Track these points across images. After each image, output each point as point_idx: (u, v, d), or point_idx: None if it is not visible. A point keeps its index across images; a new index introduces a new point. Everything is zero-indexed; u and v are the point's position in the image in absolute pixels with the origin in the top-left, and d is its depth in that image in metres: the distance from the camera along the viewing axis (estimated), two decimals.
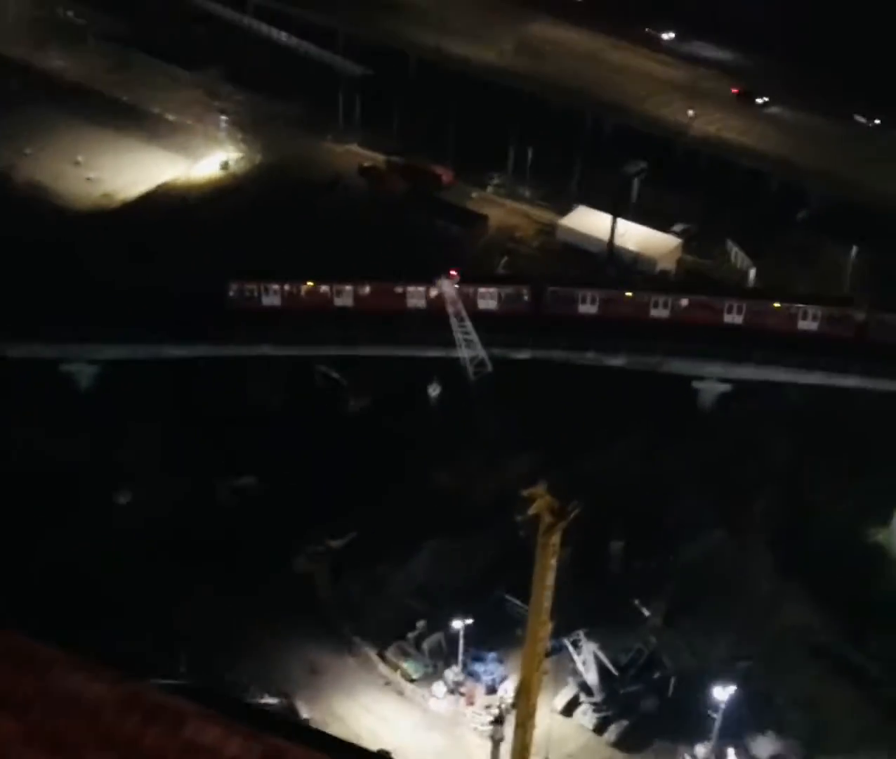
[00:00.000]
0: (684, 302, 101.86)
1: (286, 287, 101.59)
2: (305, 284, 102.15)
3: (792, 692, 77.58)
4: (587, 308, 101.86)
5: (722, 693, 73.94)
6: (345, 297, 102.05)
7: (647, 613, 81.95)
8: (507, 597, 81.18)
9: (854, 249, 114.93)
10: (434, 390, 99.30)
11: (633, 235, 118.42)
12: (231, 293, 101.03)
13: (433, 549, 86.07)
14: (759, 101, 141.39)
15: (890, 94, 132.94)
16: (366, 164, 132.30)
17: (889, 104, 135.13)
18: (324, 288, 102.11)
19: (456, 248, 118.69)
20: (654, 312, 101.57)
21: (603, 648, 78.11)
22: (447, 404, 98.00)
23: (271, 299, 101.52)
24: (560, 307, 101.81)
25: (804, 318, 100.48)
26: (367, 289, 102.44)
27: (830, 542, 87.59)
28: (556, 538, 65.19)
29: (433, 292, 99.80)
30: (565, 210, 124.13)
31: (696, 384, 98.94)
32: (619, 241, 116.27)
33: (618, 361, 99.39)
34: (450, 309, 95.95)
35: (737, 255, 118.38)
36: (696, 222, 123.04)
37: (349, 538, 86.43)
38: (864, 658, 79.10)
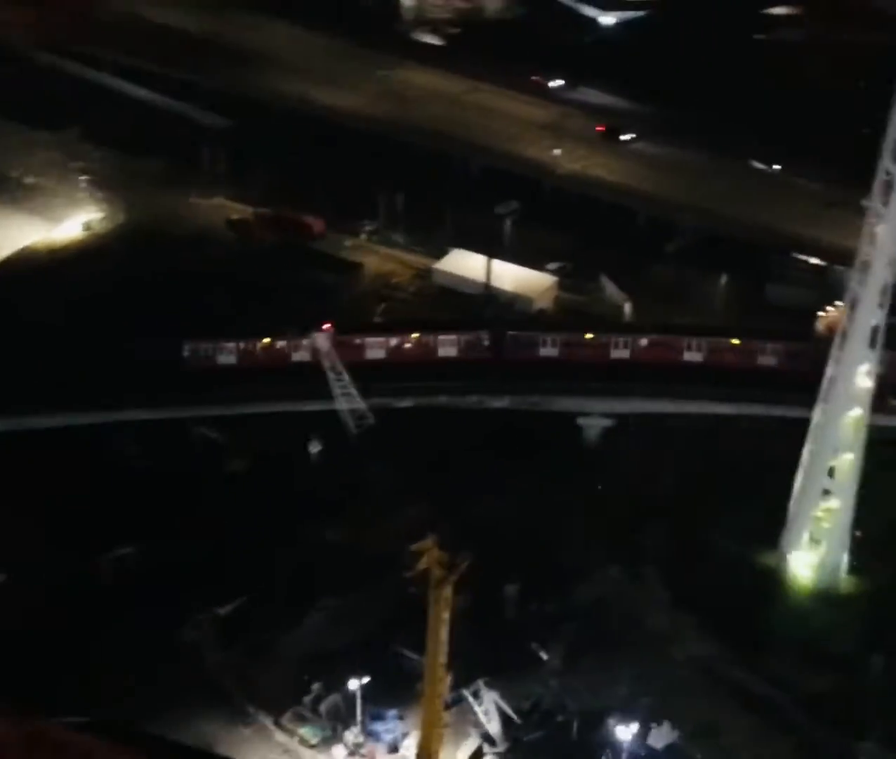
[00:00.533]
0: (644, 342, 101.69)
1: (241, 345, 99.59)
2: (262, 341, 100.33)
3: (694, 722, 76.86)
4: (548, 351, 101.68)
5: (625, 732, 73.50)
6: (303, 352, 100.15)
7: (545, 656, 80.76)
8: (404, 651, 79.16)
9: (723, 279, 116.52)
10: (314, 447, 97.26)
11: (509, 276, 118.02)
12: (186, 353, 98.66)
13: (325, 608, 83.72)
14: (624, 137, 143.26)
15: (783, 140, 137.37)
16: (234, 217, 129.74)
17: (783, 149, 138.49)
18: (281, 344, 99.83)
19: (331, 297, 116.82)
20: (614, 354, 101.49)
21: (504, 696, 76.76)
22: (332, 459, 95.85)
23: (227, 358, 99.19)
24: (520, 352, 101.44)
25: (763, 354, 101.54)
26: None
27: (722, 570, 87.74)
28: (447, 592, 63.87)
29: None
30: (440, 254, 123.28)
31: (579, 421, 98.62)
32: (495, 282, 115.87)
33: (501, 403, 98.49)
34: (325, 363, 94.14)
35: (611, 290, 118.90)
36: (570, 259, 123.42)
37: (237, 603, 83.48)
38: (764, 685, 79.04)
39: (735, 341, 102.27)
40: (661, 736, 75.41)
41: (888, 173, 78.23)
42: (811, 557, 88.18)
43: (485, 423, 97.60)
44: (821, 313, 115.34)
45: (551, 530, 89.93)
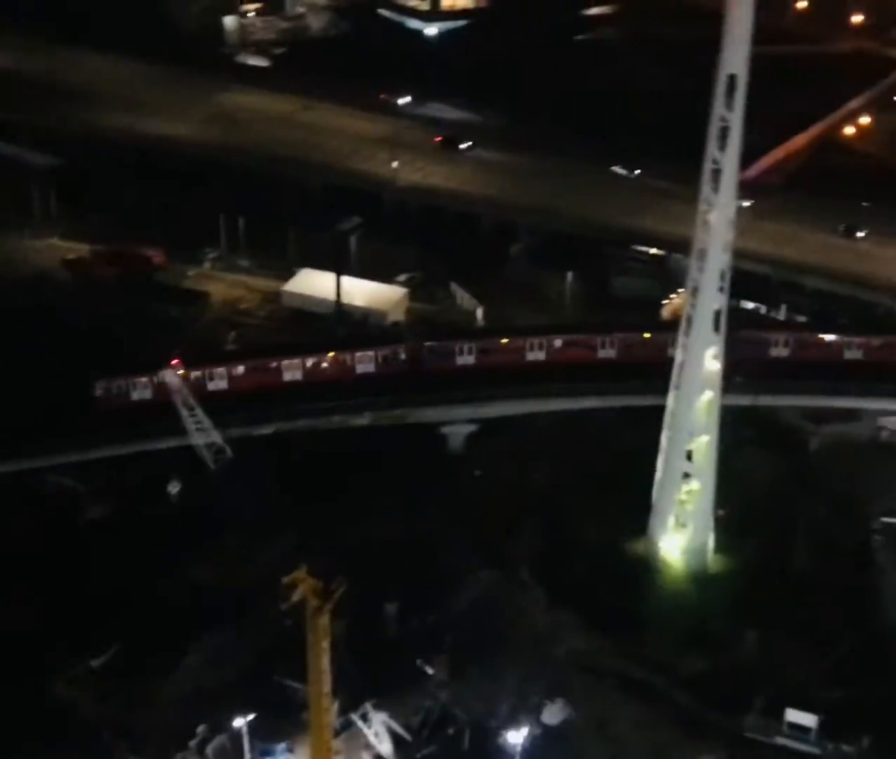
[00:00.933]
0: (558, 343, 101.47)
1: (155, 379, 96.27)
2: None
3: (583, 717, 77.30)
4: (465, 359, 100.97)
5: (516, 735, 73.46)
6: (218, 380, 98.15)
7: (430, 670, 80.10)
8: (287, 682, 77.46)
9: (569, 276, 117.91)
10: (174, 487, 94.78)
11: (360, 292, 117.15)
12: (99, 392, 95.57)
13: (203, 647, 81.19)
14: (462, 146, 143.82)
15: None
16: (70, 256, 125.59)
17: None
18: (195, 374, 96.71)
19: (177, 329, 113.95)
20: (530, 356, 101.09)
21: (393, 715, 75.95)
22: (196, 495, 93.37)
23: (141, 393, 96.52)
24: (438, 362, 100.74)
25: (672, 346, 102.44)
26: (242, 368, 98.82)
27: (595, 562, 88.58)
28: (325, 620, 62.71)
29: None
30: (287, 276, 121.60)
31: (443, 430, 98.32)
32: (346, 299, 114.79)
33: (362, 420, 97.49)
34: (176, 399, 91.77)
35: (462, 296, 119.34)
36: (419, 270, 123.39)
37: (111, 653, 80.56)
38: (646, 671, 79.95)
39: (647, 336, 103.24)
40: (554, 713, 76.30)
41: (715, 162, 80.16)
42: (679, 540, 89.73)
43: (349, 441, 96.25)
44: (665, 301, 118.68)
45: (424, 542, 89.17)
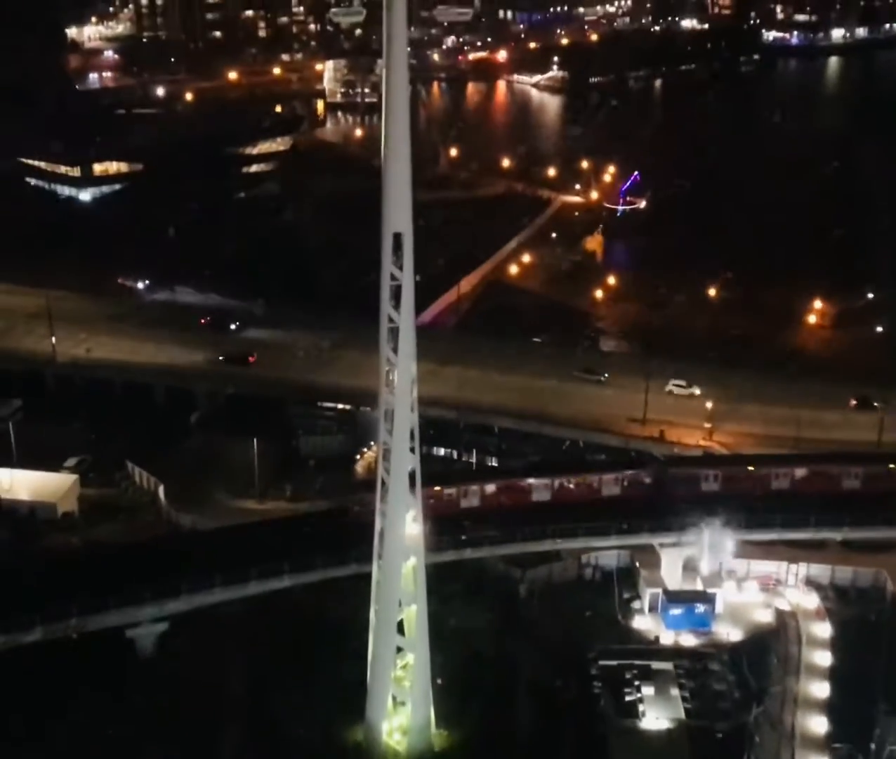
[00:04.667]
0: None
1: None
2: None
3: None
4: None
5: None
6: None
7: None
8: None
9: (255, 442, 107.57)
10: None
11: (24, 484, 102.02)
12: None
13: None
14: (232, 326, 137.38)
15: None
16: None
17: None
18: None
19: None
20: None
21: None
22: None
23: None
24: None
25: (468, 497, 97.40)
26: None
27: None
28: None
29: None
30: None
31: (129, 633, 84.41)
32: (7, 495, 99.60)
33: (34, 636, 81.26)
34: None
35: (141, 474, 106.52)
36: (90, 451, 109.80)
37: None
38: None
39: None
40: None
41: (391, 320, 72.59)
42: (399, 721, 79.72)
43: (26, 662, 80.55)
44: (357, 457, 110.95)
45: None
